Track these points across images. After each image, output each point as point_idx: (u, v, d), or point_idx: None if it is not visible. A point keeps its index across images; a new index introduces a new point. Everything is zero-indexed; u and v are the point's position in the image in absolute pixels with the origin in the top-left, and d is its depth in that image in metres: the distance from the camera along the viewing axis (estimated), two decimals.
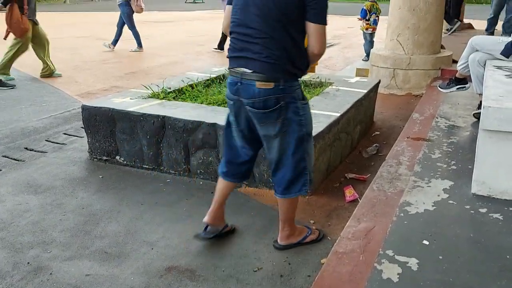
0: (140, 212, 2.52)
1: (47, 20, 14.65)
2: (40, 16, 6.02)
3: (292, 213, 2.15)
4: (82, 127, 3.52)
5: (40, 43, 5.90)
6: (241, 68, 1.91)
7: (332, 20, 6.92)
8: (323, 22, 1.87)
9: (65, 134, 3.83)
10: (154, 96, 3.48)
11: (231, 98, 2.00)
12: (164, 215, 2.49)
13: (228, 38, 2.02)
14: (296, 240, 2.20)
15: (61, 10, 20.23)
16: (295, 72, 1.93)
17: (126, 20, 8.28)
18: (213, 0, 30.15)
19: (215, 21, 15.41)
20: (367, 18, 7.19)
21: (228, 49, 2.02)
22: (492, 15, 7.05)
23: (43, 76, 6.01)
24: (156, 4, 25.72)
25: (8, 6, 5.41)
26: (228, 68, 2.00)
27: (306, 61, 1.95)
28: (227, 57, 2.01)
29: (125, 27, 8.41)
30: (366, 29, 7.26)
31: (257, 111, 1.92)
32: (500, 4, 6.87)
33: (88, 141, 3.28)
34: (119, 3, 8.24)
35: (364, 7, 7.18)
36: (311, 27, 1.86)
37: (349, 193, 2.75)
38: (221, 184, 2.21)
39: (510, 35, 3.49)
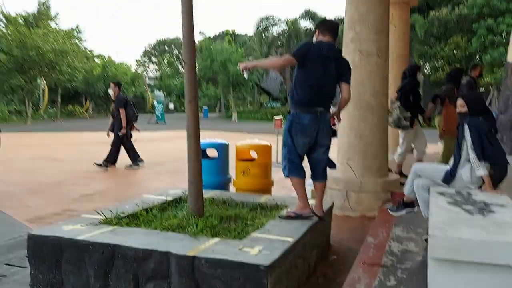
0: None
1: (4, 141, 14.57)
2: None
3: None
4: (26, 256, 3.31)
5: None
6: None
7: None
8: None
9: (7, 264, 3.56)
10: (106, 222, 3.39)
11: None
12: None
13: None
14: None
15: (22, 130, 20.27)
16: None
17: None
18: (175, 120, 31.45)
19: (177, 141, 15.81)
20: None
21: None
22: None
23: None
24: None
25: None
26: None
27: None
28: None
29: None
30: None
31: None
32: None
33: (31, 273, 3.06)
34: None
35: None
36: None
37: None
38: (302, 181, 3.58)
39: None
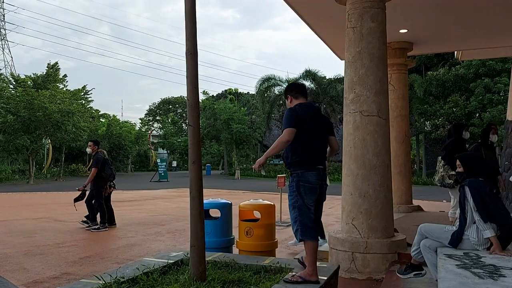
0: None
1: (5, 201, 14.52)
2: None
3: None
4: None
5: None
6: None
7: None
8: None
9: None
10: (106, 287, 3.29)
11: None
12: None
13: None
14: None
15: (23, 190, 20.24)
16: None
17: None
18: (178, 178, 31.41)
19: (178, 200, 15.72)
20: None
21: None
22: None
23: None
24: (120, 183, 26.32)
25: None
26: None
27: None
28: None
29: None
30: None
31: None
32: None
33: None
34: None
35: None
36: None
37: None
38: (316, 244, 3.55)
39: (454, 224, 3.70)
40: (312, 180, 3.52)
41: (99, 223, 8.67)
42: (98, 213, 8.76)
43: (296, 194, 3.53)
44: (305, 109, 3.65)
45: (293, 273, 3.58)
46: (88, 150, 9.14)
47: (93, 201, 8.77)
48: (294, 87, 3.87)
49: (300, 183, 3.52)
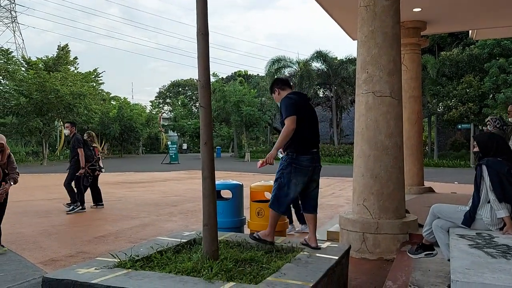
0: None
1: (20, 182, 14.73)
2: None
3: None
4: None
5: None
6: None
7: None
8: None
9: None
10: (121, 265, 3.35)
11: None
12: None
13: None
14: None
15: (37, 171, 20.55)
16: None
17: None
18: (188, 160, 31.63)
19: (190, 181, 15.86)
20: None
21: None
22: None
23: None
24: (131, 165, 26.58)
25: None
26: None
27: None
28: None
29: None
30: None
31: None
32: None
33: None
34: None
35: None
36: None
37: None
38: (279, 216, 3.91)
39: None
40: (304, 163, 3.76)
41: (79, 203, 8.64)
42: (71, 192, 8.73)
43: (282, 172, 3.80)
44: (300, 96, 3.91)
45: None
46: (66, 131, 9.08)
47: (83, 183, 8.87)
48: (279, 80, 4.15)
49: (292, 164, 3.76)
